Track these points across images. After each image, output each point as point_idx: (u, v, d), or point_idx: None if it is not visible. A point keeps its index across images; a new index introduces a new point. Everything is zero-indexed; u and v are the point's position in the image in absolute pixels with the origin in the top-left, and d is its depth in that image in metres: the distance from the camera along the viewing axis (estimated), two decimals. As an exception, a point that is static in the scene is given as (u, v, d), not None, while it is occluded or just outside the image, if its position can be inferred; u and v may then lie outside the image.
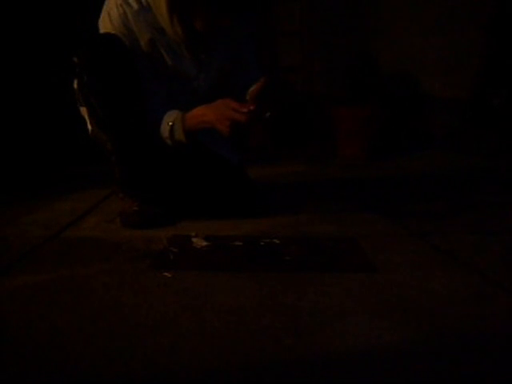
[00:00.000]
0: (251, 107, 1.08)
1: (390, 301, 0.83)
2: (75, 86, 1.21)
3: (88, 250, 1.10)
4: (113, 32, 1.15)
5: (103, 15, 1.17)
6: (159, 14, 1.15)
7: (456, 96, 2.84)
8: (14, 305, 0.82)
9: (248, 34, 1.36)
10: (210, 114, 1.13)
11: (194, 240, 1.15)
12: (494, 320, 0.77)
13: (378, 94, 2.74)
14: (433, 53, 2.82)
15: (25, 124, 2.09)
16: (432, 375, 0.62)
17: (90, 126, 1.28)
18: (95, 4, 1.22)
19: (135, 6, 1.14)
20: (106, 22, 1.16)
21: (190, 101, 1.28)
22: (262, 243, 1.13)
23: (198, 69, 1.27)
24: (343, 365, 0.64)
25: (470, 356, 0.66)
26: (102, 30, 1.18)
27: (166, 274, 0.95)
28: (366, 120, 2.56)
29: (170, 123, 1.17)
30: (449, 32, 2.79)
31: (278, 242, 1.14)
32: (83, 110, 1.26)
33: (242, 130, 1.12)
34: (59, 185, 1.87)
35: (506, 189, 1.80)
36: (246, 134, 1.15)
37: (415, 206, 1.51)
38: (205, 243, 1.13)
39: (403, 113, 2.89)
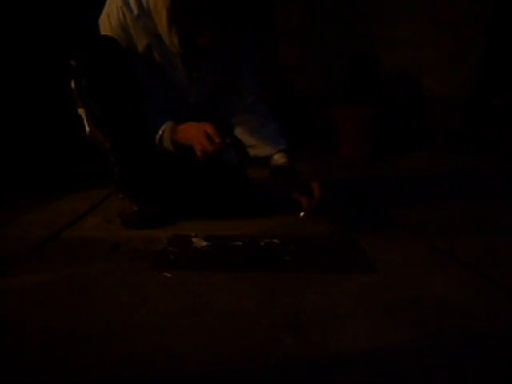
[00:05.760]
0: (222, 140, 1.10)
1: (390, 301, 0.83)
2: (73, 86, 1.20)
3: (88, 250, 1.10)
4: (111, 34, 1.15)
5: (103, 16, 1.17)
6: (159, 22, 1.14)
7: (456, 96, 2.84)
8: (14, 304, 0.82)
9: (249, 56, 1.34)
10: (192, 133, 1.14)
11: (194, 240, 1.15)
12: (494, 320, 0.77)
13: (377, 93, 2.74)
14: (433, 53, 2.82)
15: (24, 124, 2.09)
16: (432, 375, 0.62)
17: (87, 127, 1.28)
18: (94, 4, 1.22)
19: (135, 10, 1.14)
20: (106, 24, 1.16)
21: (184, 111, 1.28)
22: (262, 243, 1.13)
23: (191, 82, 1.27)
24: (343, 365, 0.65)
25: (470, 355, 0.66)
26: (101, 30, 1.18)
27: (166, 274, 0.95)
28: (366, 120, 2.56)
29: (160, 132, 1.19)
30: (449, 32, 2.79)
31: (277, 242, 1.15)
32: (81, 111, 1.26)
33: (211, 157, 1.13)
34: (59, 185, 1.87)
35: (505, 189, 1.80)
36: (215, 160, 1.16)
37: (415, 206, 1.51)
38: (205, 243, 1.13)
39: (403, 113, 2.89)
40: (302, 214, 1.24)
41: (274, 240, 1.15)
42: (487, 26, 2.74)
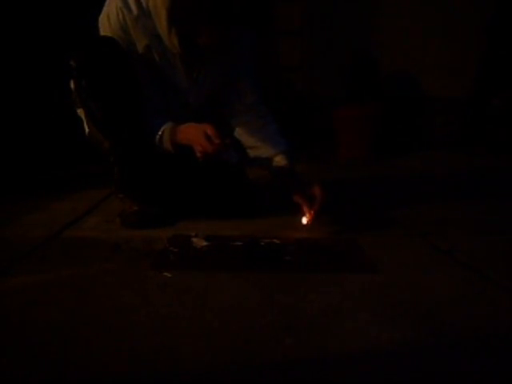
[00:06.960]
0: (222, 141, 1.10)
1: (390, 301, 0.83)
2: (72, 86, 1.20)
3: (88, 250, 1.10)
4: (110, 34, 1.15)
5: (103, 16, 1.17)
6: (158, 22, 1.14)
7: (456, 96, 2.84)
8: (14, 304, 0.82)
9: (249, 56, 1.34)
10: (192, 134, 1.15)
11: (194, 240, 1.15)
12: (494, 320, 0.77)
13: (378, 94, 2.74)
14: (433, 53, 2.82)
15: (24, 124, 2.09)
16: (432, 375, 0.62)
17: (87, 128, 1.28)
18: (94, 4, 1.22)
19: (135, 11, 1.14)
20: (105, 24, 1.16)
21: (183, 112, 1.28)
22: (262, 243, 1.13)
23: (190, 83, 1.27)
24: (343, 365, 0.64)
25: (470, 356, 0.66)
26: (100, 31, 1.18)
27: (166, 274, 0.95)
28: (367, 120, 2.56)
29: (160, 132, 1.19)
30: (449, 32, 2.79)
31: (277, 241, 1.15)
32: (80, 111, 1.26)
33: (210, 157, 1.13)
34: (59, 185, 1.87)
35: (506, 189, 1.80)
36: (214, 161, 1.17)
37: (415, 206, 1.51)
38: (205, 243, 1.13)
39: (403, 113, 2.89)
40: (304, 218, 1.25)
41: (274, 240, 1.15)
42: (487, 27, 2.74)
